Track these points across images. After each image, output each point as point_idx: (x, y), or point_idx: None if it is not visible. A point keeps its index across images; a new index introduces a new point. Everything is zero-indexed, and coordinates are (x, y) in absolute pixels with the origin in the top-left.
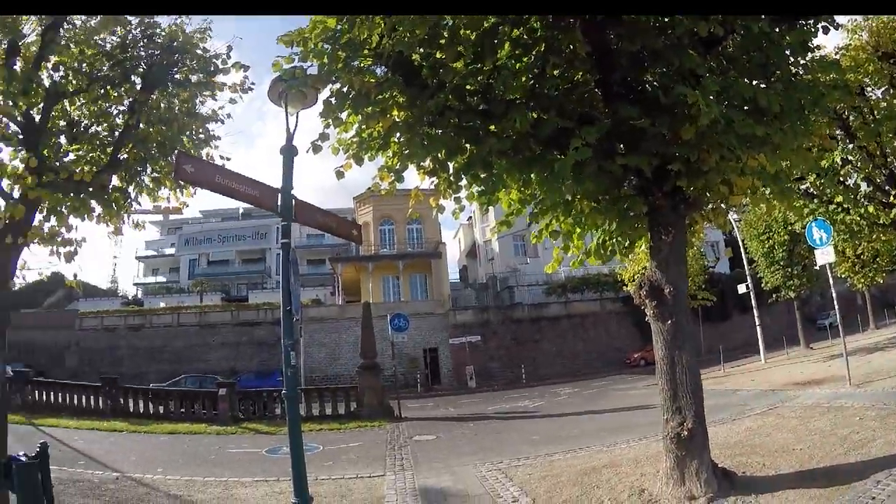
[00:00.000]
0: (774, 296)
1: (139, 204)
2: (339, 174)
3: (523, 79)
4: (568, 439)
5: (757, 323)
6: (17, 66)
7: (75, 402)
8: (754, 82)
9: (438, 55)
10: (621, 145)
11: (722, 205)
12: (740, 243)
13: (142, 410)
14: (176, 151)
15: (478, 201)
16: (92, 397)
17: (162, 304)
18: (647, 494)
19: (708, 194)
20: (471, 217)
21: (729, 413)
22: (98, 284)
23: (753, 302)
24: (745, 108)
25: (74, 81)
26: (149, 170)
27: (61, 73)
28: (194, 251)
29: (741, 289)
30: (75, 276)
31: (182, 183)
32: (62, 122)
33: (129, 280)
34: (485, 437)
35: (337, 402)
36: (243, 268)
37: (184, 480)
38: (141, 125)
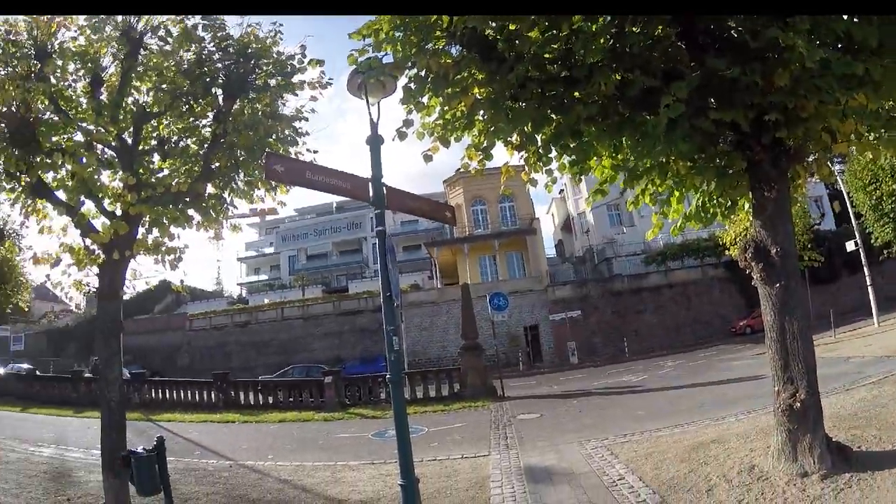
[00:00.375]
0: (886, 252)
1: (235, 208)
2: (427, 158)
3: (601, 40)
4: (673, 414)
5: (868, 283)
6: (104, 96)
7: (189, 397)
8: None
9: (512, 27)
10: (712, 100)
11: (825, 154)
12: (845, 196)
13: (252, 402)
14: (265, 153)
15: (569, 172)
16: (205, 392)
17: (266, 301)
18: (758, 471)
19: (809, 144)
20: (563, 190)
21: (842, 382)
22: (204, 287)
23: (864, 260)
24: (839, 45)
25: (159, 102)
26: (241, 174)
27: (145, 97)
28: (294, 247)
29: (849, 246)
30: (181, 281)
31: (274, 183)
32: (153, 141)
33: (233, 280)
34: (589, 413)
35: (440, 384)
36: (341, 259)
37: (293, 466)
38: (228, 133)
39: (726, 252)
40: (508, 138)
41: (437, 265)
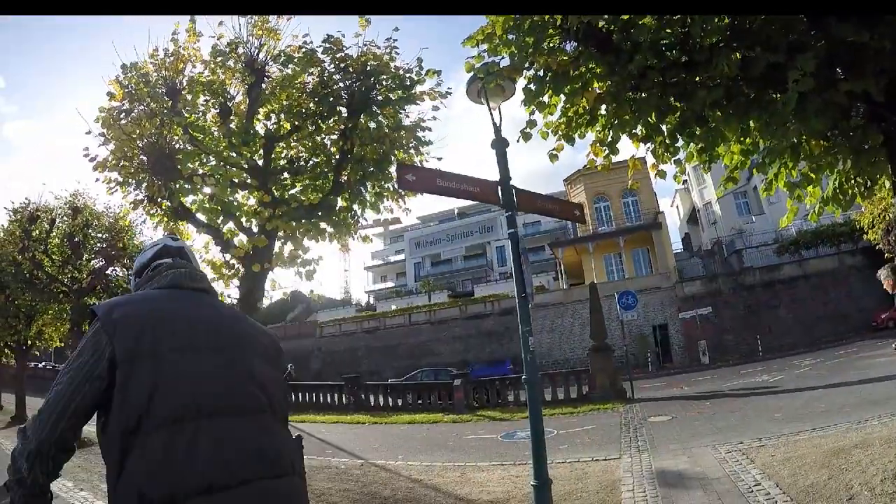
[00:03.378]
0: None
1: (365, 219)
2: (553, 157)
3: (717, 19)
4: (812, 416)
5: None
6: (233, 124)
7: (321, 399)
8: None
9: (625, 16)
10: (840, 70)
11: None
12: None
13: (381, 404)
14: (395, 164)
15: (698, 160)
16: (336, 395)
17: (393, 307)
18: None
19: None
20: (686, 181)
21: None
22: (333, 296)
23: None
24: None
25: (286, 124)
26: (369, 186)
27: (273, 121)
28: (427, 252)
29: None
30: (311, 291)
31: (403, 193)
32: (283, 161)
33: (360, 289)
34: (722, 416)
35: (569, 386)
36: (465, 264)
37: (423, 466)
38: (355, 148)
39: (864, 236)
40: (633, 130)
41: (561, 265)
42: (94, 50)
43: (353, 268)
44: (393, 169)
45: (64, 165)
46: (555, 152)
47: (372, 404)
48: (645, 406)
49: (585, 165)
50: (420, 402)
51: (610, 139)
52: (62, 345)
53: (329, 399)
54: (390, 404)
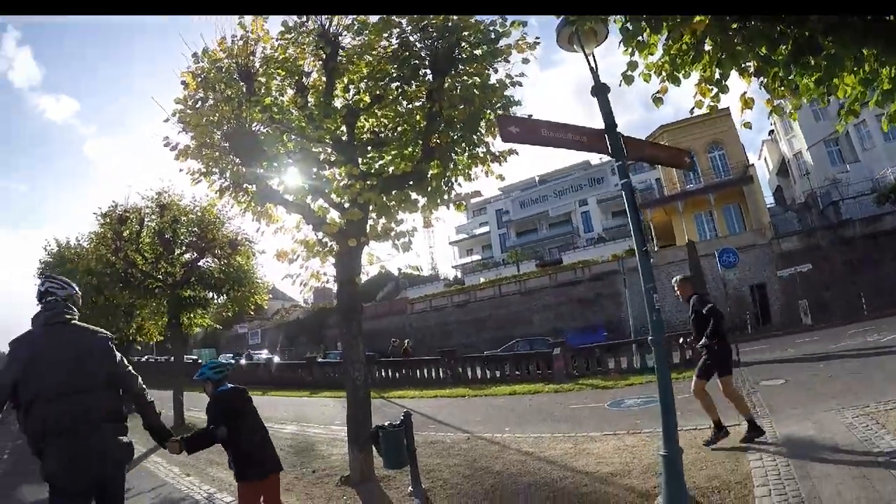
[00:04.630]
0: None
1: (460, 186)
2: (658, 100)
3: None
4: None
5: None
6: (312, 101)
7: (417, 375)
8: None
9: None
10: None
11: None
12: None
13: (479, 376)
14: (497, 116)
15: (816, 93)
16: (432, 369)
17: (481, 280)
18: None
19: None
20: (772, 130)
21: None
22: (420, 273)
23: None
24: None
25: (366, 97)
26: (461, 151)
27: (352, 93)
28: (534, 211)
29: None
30: (399, 270)
31: (497, 154)
32: (367, 135)
33: (447, 264)
34: (839, 378)
35: (671, 352)
36: (550, 232)
37: (532, 438)
38: (443, 111)
39: None
40: (744, 64)
41: (651, 227)
42: (163, 61)
43: (438, 244)
44: (483, 130)
45: (143, 172)
46: (659, 95)
47: (469, 377)
48: (753, 370)
49: (688, 114)
50: (518, 372)
51: (718, 76)
52: (162, 338)
53: (426, 374)
54: (488, 376)
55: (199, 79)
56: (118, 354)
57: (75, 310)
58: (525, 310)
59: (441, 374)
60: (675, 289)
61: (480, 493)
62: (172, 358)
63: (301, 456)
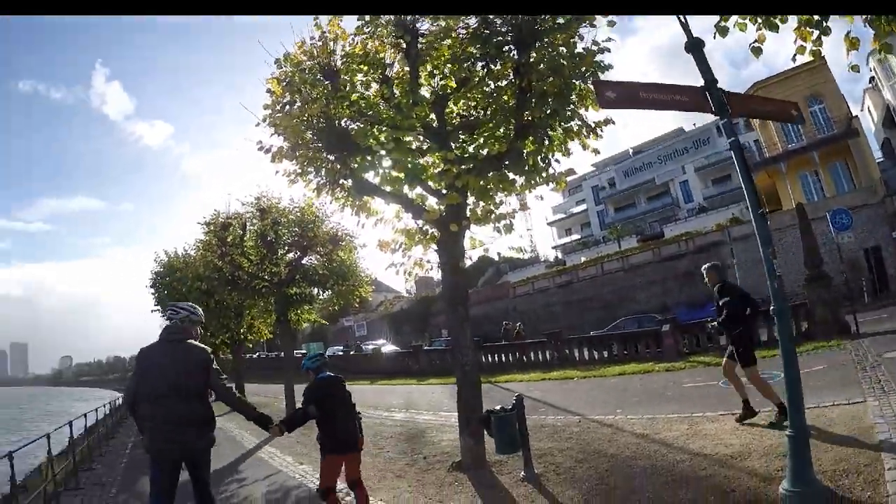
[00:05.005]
0: None
1: (558, 162)
2: (756, 50)
3: None
4: None
5: None
6: (398, 91)
7: (523, 358)
8: None
9: None
10: None
11: None
12: None
13: (587, 357)
14: (593, 82)
15: None
16: (538, 352)
17: (582, 259)
18: None
19: None
20: (873, 78)
21: None
22: (520, 256)
23: None
24: None
25: (452, 81)
26: (555, 126)
27: (437, 79)
28: (647, 176)
29: None
30: (499, 254)
31: (593, 126)
32: (457, 120)
33: (546, 245)
34: None
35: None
36: (649, 205)
37: (645, 419)
38: (533, 85)
39: None
40: None
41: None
42: (246, 72)
43: (536, 226)
44: (576, 102)
45: (240, 181)
46: (757, 44)
47: (577, 359)
48: (875, 341)
49: (793, 56)
50: (626, 352)
51: (818, 17)
52: (271, 336)
53: (532, 357)
54: (596, 357)
55: (284, 83)
56: (214, 370)
57: (192, 328)
58: (629, 287)
59: (548, 356)
60: (705, 277)
61: (594, 478)
62: (282, 353)
63: (412, 442)
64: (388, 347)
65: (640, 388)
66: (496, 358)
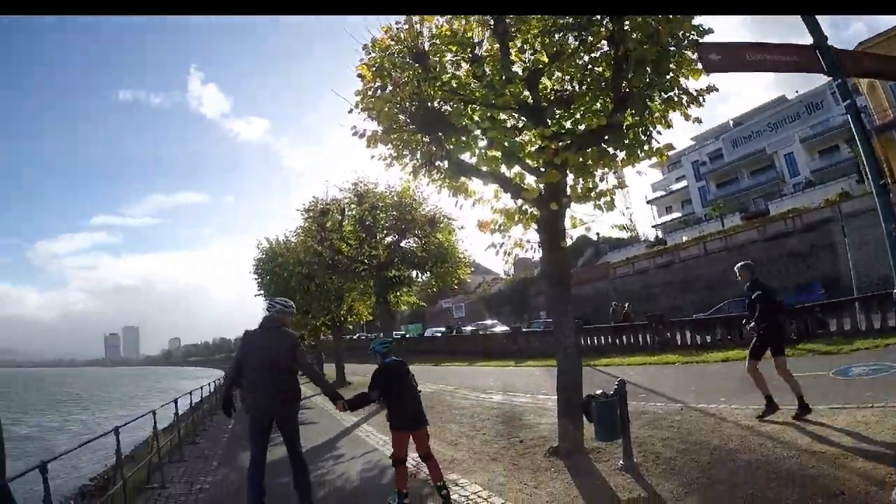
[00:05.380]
0: None
1: (660, 133)
2: None
3: None
4: None
5: None
6: (489, 69)
7: (623, 341)
8: None
9: None
10: None
11: None
12: None
13: (688, 342)
14: (697, 44)
15: None
16: (639, 335)
17: (684, 238)
18: None
19: None
20: None
21: None
22: (620, 235)
23: None
24: None
25: (543, 56)
26: (654, 96)
27: (528, 55)
28: (737, 154)
29: None
30: (598, 234)
31: (687, 100)
32: (551, 97)
33: (646, 224)
34: None
35: None
36: (752, 180)
37: (750, 410)
38: (629, 52)
39: None
40: None
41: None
42: (333, 61)
43: (635, 204)
44: (674, 69)
45: (336, 168)
46: None
47: (679, 343)
48: None
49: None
50: (730, 337)
51: None
52: (371, 317)
53: (632, 340)
54: (697, 341)
55: (374, 69)
56: (300, 351)
57: (285, 318)
58: (733, 268)
59: (648, 340)
60: (738, 275)
61: (695, 470)
62: (381, 335)
63: (508, 425)
64: (500, 328)
65: (745, 376)
66: (595, 340)
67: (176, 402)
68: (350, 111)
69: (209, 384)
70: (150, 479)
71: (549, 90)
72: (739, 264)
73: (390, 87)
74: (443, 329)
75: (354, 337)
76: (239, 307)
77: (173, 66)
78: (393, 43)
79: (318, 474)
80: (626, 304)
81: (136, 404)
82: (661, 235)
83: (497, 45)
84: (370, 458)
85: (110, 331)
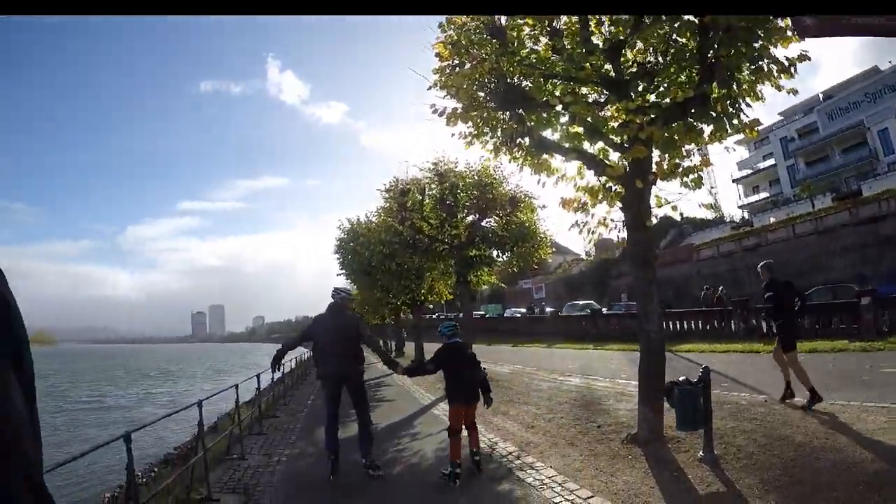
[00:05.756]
0: None
1: (749, 106)
2: None
3: None
4: None
5: None
6: (567, 43)
7: (706, 327)
8: None
9: None
10: None
11: None
12: None
13: (774, 330)
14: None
15: None
16: (723, 321)
17: (771, 220)
18: None
19: None
20: None
21: None
22: (704, 216)
23: None
24: None
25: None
26: (742, 66)
27: (607, 27)
28: (835, 127)
29: None
30: (681, 214)
31: (787, 65)
32: (634, 69)
33: (731, 205)
34: None
35: None
36: (844, 158)
37: (837, 405)
38: (717, 20)
39: None
40: None
41: None
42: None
43: (719, 184)
44: (762, 36)
45: (416, 148)
46: None
47: (763, 331)
48: None
49: None
50: (817, 326)
51: None
52: (451, 296)
53: (716, 326)
54: None
55: (451, 46)
56: (362, 327)
57: (347, 303)
58: (822, 253)
59: (732, 326)
60: (761, 274)
61: (778, 467)
62: (461, 314)
63: (586, 409)
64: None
65: (832, 370)
66: (678, 325)
67: (258, 376)
68: (429, 88)
69: (291, 361)
70: (231, 450)
71: (631, 62)
72: (762, 264)
73: (468, 64)
74: (522, 310)
75: (434, 316)
76: (321, 286)
77: (251, 56)
78: (468, 19)
79: (395, 450)
80: (720, 289)
81: (220, 378)
82: (746, 216)
83: (575, 17)
84: (444, 437)
85: (197, 309)
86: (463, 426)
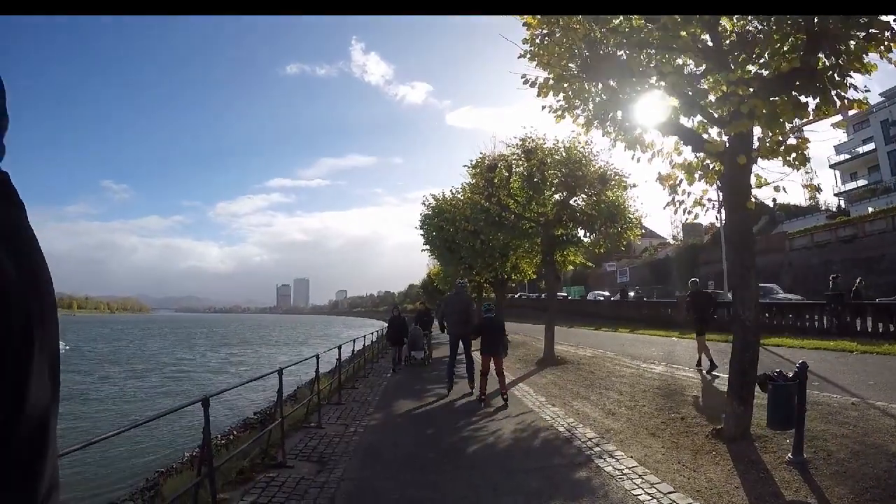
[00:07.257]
0: None
1: (852, 78)
2: None
3: None
4: None
5: None
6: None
7: (796, 321)
8: None
9: None
10: None
11: None
12: None
13: (869, 328)
14: None
15: None
16: (815, 316)
17: (870, 210)
18: None
19: None
20: None
21: None
22: (798, 203)
23: None
24: None
25: None
26: (852, 33)
27: None
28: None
29: None
30: (774, 200)
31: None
32: (733, 37)
33: (828, 192)
34: None
35: None
36: None
37: None
38: None
39: None
40: None
41: None
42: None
43: (814, 169)
44: None
45: (502, 125)
46: None
47: (859, 329)
48: None
49: None
50: None
51: None
52: (535, 276)
53: (807, 321)
54: (880, 329)
55: (539, 16)
56: (472, 306)
57: (464, 290)
58: None
59: (825, 322)
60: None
61: (871, 478)
62: (544, 295)
63: (670, 399)
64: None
65: None
66: (767, 317)
67: (339, 348)
68: (519, 57)
69: (373, 333)
70: (309, 419)
71: (730, 31)
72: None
73: (559, 33)
74: (606, 293)
75: (516, 296)
76: (404, 262)
77: (336, 38)
78: None
79: (473, 428)
80: (858, 280)
81: (300, 350)
82: (843, 205)
83: None
84: (524, 419)
85: (282, 282)
86: (493, 370)
